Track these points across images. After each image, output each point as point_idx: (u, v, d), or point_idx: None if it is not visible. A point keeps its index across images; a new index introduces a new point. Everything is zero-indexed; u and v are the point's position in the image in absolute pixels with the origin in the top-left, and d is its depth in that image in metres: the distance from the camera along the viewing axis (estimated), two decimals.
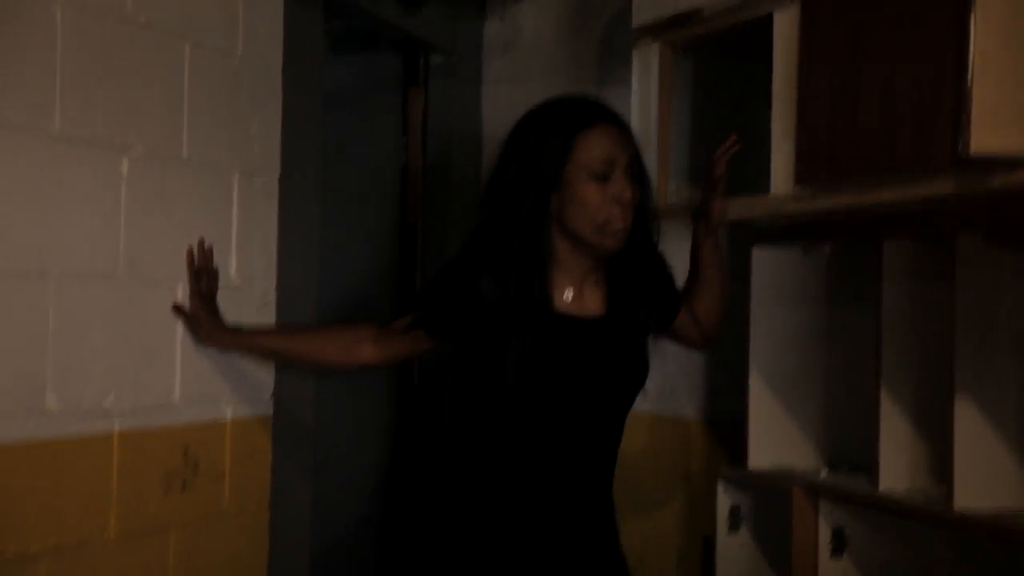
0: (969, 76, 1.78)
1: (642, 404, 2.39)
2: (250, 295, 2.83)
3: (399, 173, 3.96)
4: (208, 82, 2.66)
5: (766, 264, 2.87)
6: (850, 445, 2.85)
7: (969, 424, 2.26)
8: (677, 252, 2.50)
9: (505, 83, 3.86)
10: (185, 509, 2.64)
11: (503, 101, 3.86)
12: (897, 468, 2.49)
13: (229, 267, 2.76)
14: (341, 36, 4.10)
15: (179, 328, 2.61)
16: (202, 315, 2.56)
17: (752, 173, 2.57)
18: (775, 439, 2.90)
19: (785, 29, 2.39)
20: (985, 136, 1.79)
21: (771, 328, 2.89)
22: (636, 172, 2.22)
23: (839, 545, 2.72)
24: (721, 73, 2.94)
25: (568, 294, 2.26)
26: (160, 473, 2.57)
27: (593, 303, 2.27)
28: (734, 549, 3.01)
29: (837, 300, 2.90)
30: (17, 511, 2.23)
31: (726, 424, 3.21)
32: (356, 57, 4.08)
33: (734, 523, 3.00)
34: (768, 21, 2.44)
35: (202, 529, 2.70)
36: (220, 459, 2.75)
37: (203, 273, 2.58)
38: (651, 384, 2.33)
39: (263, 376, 2.89)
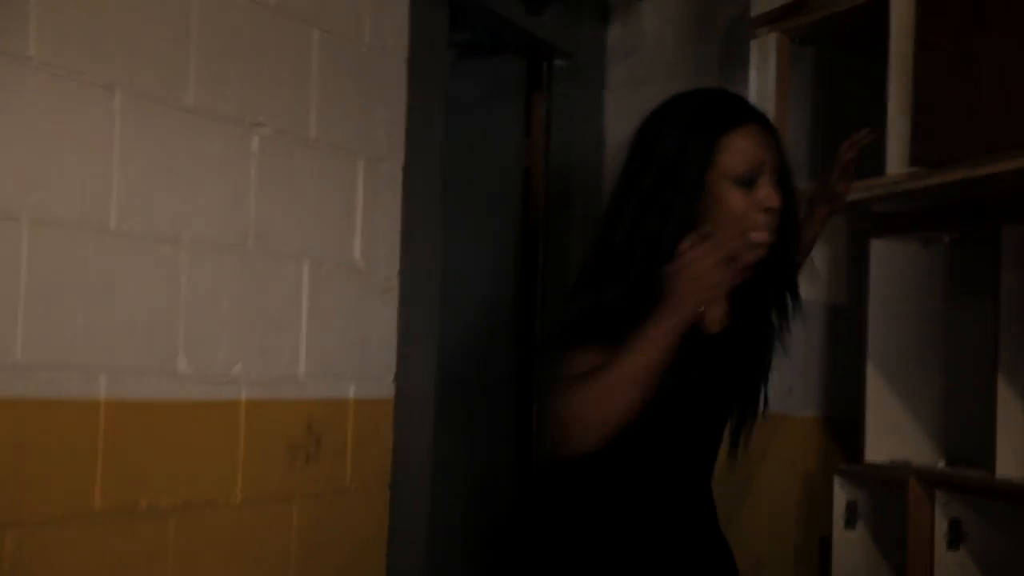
0: None
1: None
2: (374, 279, 2.92)
3: (522, 177, 4.03)
4: (336, 68, 2.76)
5: (885, 257, 2.87)
6: (968, 440, 2.82)
7: None
8: None
9: (628, 87, 3.91)
10: (308, 482, 2.72)
11: (626, 105, 3.91)
12: (1014, 456, 2.47)
13: (353, 249, 2.85)
14: (468, 44, 4.21)
15: (304, 304, 2.70)
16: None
17: (868, 162, 2.58)
18: (891, 433, 2.88)
19: (902, 7, 2.41)
20: None
21: (889, 321, 2.88)
22: (782, 177, 2.00)
23: (956, 537, 2.69)
24: (839, 67, 2.95)
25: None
26: (285, 444, 2.66)
27: (715, 315, 2.07)
28: (850, 545, 2.99)
29: (956, 293, 2.88)
30: (150, 466, 2.32)
31: (844, 422, 3.19)
32: (482, 63, 4.18)
33: (850, 519, 2.99)
34: (883, 4, 2.46)
35: (324, 503, 2.77)
36: (343, 436, 2.82)
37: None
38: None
39: (386, 359, 2.96)
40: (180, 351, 2.39)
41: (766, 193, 1.96)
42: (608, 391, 1.83)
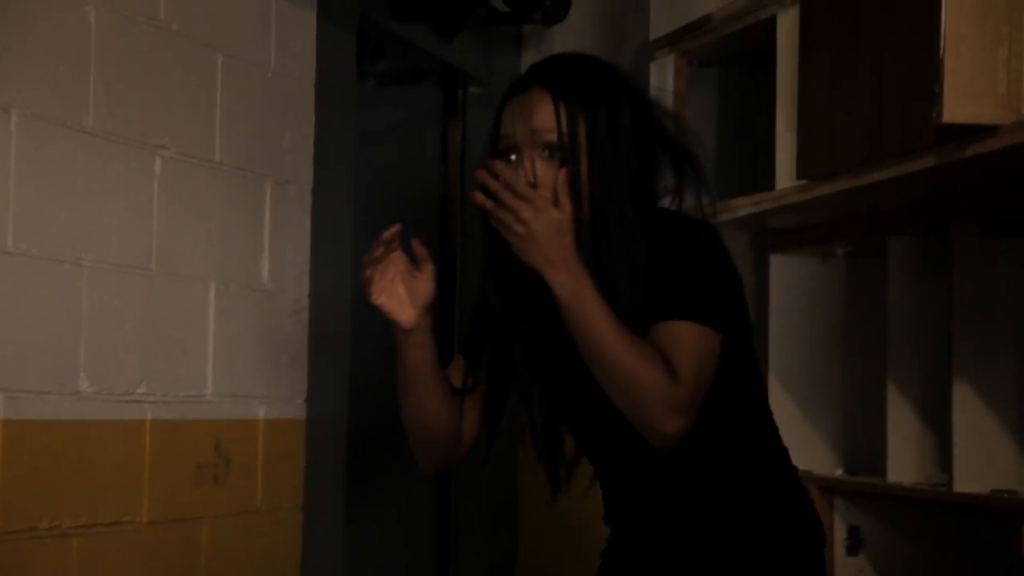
0: (941, 48, 1.86)
1: None
2: (283, 300, 2.95)
3: (439, 203, 4.08)
4: (241, 91, 2.79)
5: (784, 271, 2.94)
6: (866, 449, 2.89)
7: (968, 410, 2.31)
8: None
9: None
10: (218, 502, 2.73)
11: None
12: (905, 461, 2.54)
13: (262, 271, 2.88)
14: (385, 73, 4.26)
15: (211, 325, 2.72)
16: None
17: (762, 178, 2.65)
18: (794, 444, 2.93)
19: (787, 29, 2.49)
20: (957, 106, 1.87)
21: (790, 334, 2.95)
22: (564, 146, 1.75)
23: (855, 543, 2.75)
24: (740, 87, 3.03)
25: None
26: (192, 465, 2.67)
27: None
28: None
29: (852, 305, 2.95)
30: (51, 487, 2.33)
31: None
32: (400, 91, 4.23)
33: None
34: (772, 24, 2.53)
35: (235, 523, 2.79)
36: (252, 457, 2.84)
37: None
38: None
39: (297, 380, 2.99)
40: (81, 371, 2.40)
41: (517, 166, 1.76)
42: (400, 401, 1.87)
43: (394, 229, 1.82)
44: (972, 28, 1.86)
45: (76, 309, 2.39)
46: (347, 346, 3.23)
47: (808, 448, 2.94)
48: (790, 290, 2.92)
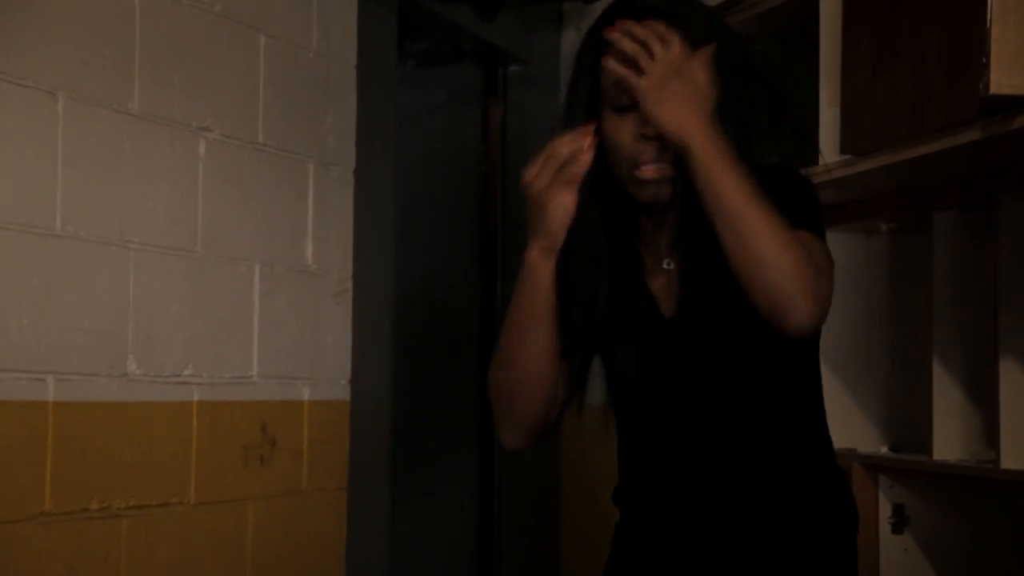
0: (988, 19, 1.84)
1: None
2: (326, 281, 2.96)
3: (480, 182, 4.08)
4: (283, 73, 2.81)
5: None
6: (911, 426, 2.87)
7: (1014, 386, 2.29)
8: None
9: None
10: (263, 483, 2.76)
11: None
12: (951, 438, 2.52)
13: (305, 252, 2.89)
14: (426, 53, 4.27)
15: (256, 306, 2.74)
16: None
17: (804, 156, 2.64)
18: (840, 422, 2.91)
19: (830, 3, 2.47)
20: (1004, 77, 1.85)
21: (834, 312, 2.92)
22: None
23: (900, 522, 2.74)
24: (777, 61, 3.01)
25: (656, 282, 1.73)
26: (238, 446, 2.69)
27: (670, 294, 1.72)
28: None
29: (896, 282, 2.94)
30: (101, 468, 2.36)
31: None
32: (441, 71, 4.23)
33: None
34: (815, 1, 2.52)
35: (280, 504, 2.81)
36: (298, 438, 2.86)
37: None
38: None
39: (341, 361, 3.01)
40: (129, 353, 2.43)
41: (642, 116, 1.60)
42: (501, 352, 1.71)
43: (591, 133, 1.63)
44: (1017, 1, 1.85)
45: (123, 291, 2.41)
46: (391, 328, 3.24)
47: (853, 425, 2.93)
48: (836, 267, 2.90)
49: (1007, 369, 2.28)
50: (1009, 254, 2.29)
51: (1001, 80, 1.84)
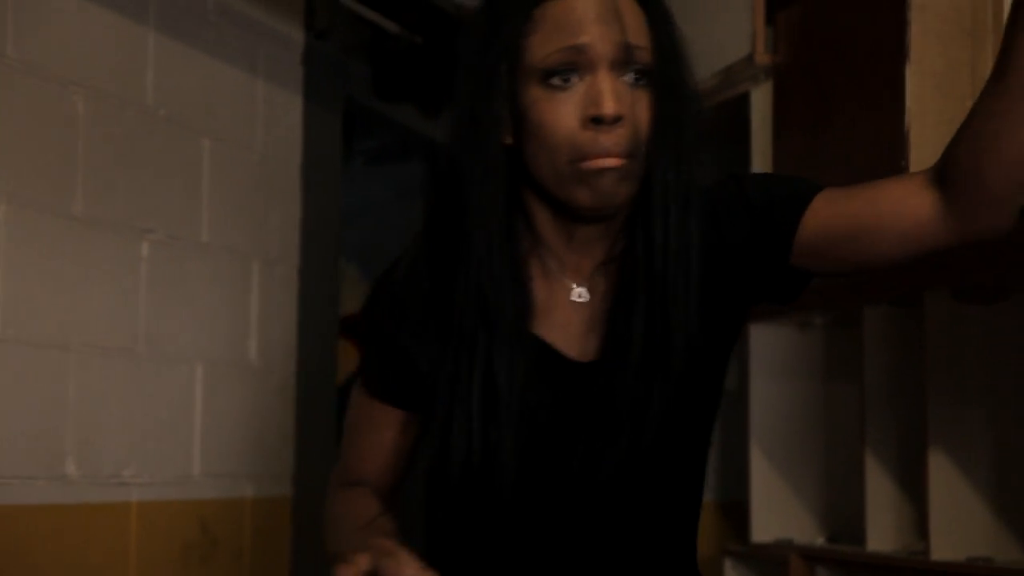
0: (907, 122, 1.90)
1: None
2: (270, 378, 2.97)
3: None
4: (227, 174, 2.84)
5: (764, 342, 2.97)
6: (849, 516, 2.91)
7: (943, 478, 2.34)
8: None
9: None
10: None
11: None
12: (884, 529, 2.56)
13: (249, 349, 2.91)
14: (375, 151, 4.32)
15: (198, 405, 2.75)
16: None
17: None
18: (777, 513, 2.97)
19: (761, 104, 2.54)
20: None
21: (770, 404, 2.98)
22: (652, 68, 1.32)
23: None
24: (716, 158, 3.09)
25: (576, 293, 1.40)
26: (179, 545, 2.69)
27: (578, 330, 1.40)
28: None
29: (831, 374, 2.99)
30: (40, 571, 2.34)
31: (734, 505, 3.27)
32: (387, 168, 4.28)
33: None
34: (746, 100, 2.59)
35: None
36: (239, 536, 2.86)
37: None
38: None
39: (284, 458, 3.01)
40: (68, 455, 2.43)
41: (595, 91, 1.29)
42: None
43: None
44: (936, 103, 1.91)
45: (63, 393, 2.42)
46: (334, 424, 3.25)
47: (790, 516, 2.96)
48: (770, 360, 2.95)
49: (935, 462, 2.33)
50: (935, 348, 2.35)
51: None
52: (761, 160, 2.56)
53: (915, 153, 1.91)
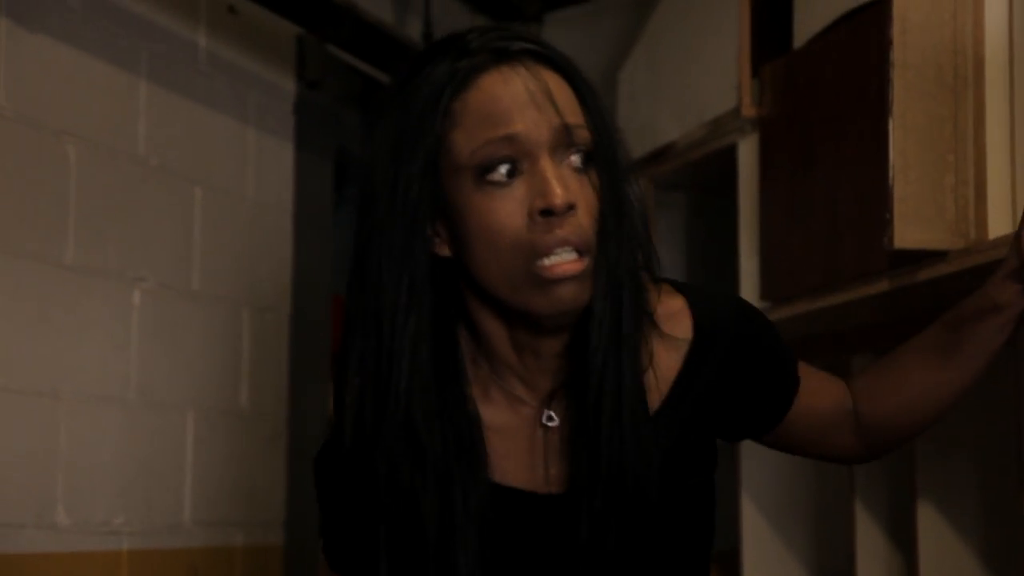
0: (890, 175, 1.92)
1: None
2: (261, 426, 2.98)
3: None
4: (219, 222, 2.86)
5: None
6: (839, 568, 2.91)
7: (932, 529, 2.34)
8: None
9: None
10: None
11: None
12: None
13: (240, 397, 2.92)
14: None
15: (189, 452, 2.75)
16: None
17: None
18: (768, 563, 2.96)
19: (747, 156, 2.56)
20: (907, 232, 1.92)
21: (760, 454, 2.97)
22: (592, 147, 1.21)
23: None
24: (706, 211, 3.11)
25: (545, 416, 1.28)
26: None
27: (544, 461, 1.29)
28: None
29: None
30: None
31: (727, 555, 3.27)
32: None
33: None
34: (733, 151, 2.61)
35: None
36: None
37: None
38: None
39: (275, 506, 3.01)
40: (59, 503, 2.43)
41: (540, 180, 1.17)
42: None
43: None
44: (919, 157, 1.93)
45: (54, 441, 2.42)
46: None
47: (781, 565, 2.96)
48: None
49: (924, 512, 2.33)
50: None
51: (904, 235, 1.92)
52: (748, 212, 2.58)
53: (898, 206, 1.92)
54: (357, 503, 1.28)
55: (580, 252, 1.18)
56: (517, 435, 1.27)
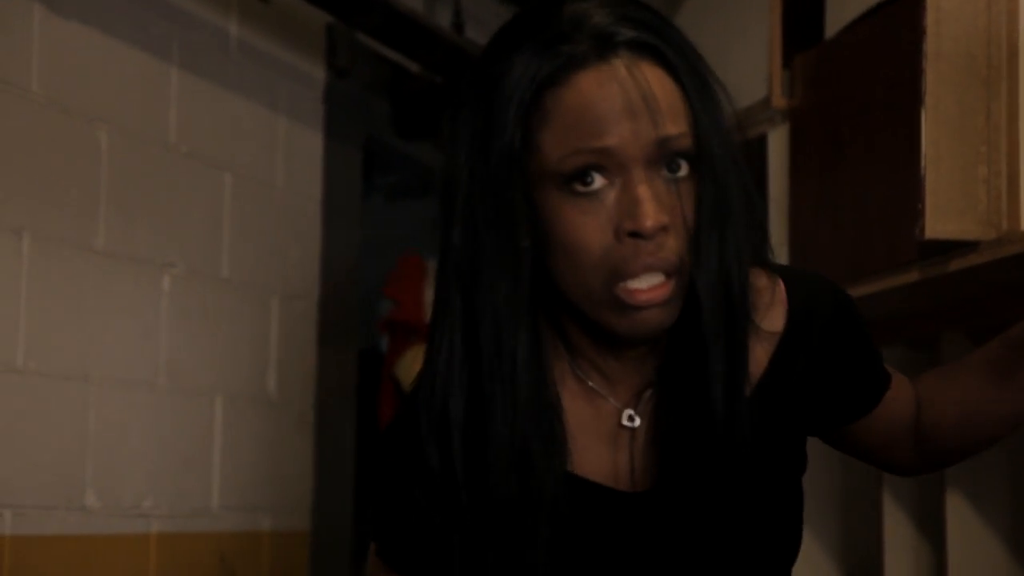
0: (922, 165, 1.91)
1: None
2: (289, 412, 2.99)
3: None
4: (248, 209, 2.87)
5: None
6: (867, 560, 2.90)
7: (961, 520, 2.33)
8: None
9: None
10: None
11: None
12: (902, 570, 2.55)
13: (268, 383, 2.93)
14: (392, 186, 4.36)
15: (217, 438, 2.77)
16: None
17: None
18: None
19: (777, 146, 2.56)
20: (938, 223, 1.92)
21: None
22: (694, 152, 1.12)
23: None
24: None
25: (625, 416, 1.22)
26: None
27: (626, 457, 1.24)
28: None
29: None
30: None
31: None
32: (406, 203, 4.32)
33: None
34: (763, 142, 2.61)
35: None
36: (258, 569, 2.87)
37: None
38: None
39: (302, 491, 3.02)
40: (88, 486, 2.44)
41: (631, 199, 1.10)
42: None
43: None
44: (951, 148, 1.92)
45: (83, 425, 2.44)
46: (353, 459, 3.27)
47: (809, 559, 2.95)
48: None
49: (953, 503, 2.33)
50: None
51: (935, 225, 1.91)
52: (778, 202, 2.57)
53: (930, 197, 1.92)
54: (425, 488, 1.20)
55: (668, 275, 1.11)
56: (595, 429, 1.22)
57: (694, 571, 1.21)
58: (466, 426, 1.16)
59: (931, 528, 2.54)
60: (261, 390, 2.90)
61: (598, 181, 1.10)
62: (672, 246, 1.11)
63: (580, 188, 1.10)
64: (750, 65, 2.63)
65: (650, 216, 1.08)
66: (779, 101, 2.55)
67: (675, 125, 1.11)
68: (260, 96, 2.90)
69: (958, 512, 2.33)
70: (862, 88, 2.27)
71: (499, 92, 1.12)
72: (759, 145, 2.62)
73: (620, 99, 1.09)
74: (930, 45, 1.90)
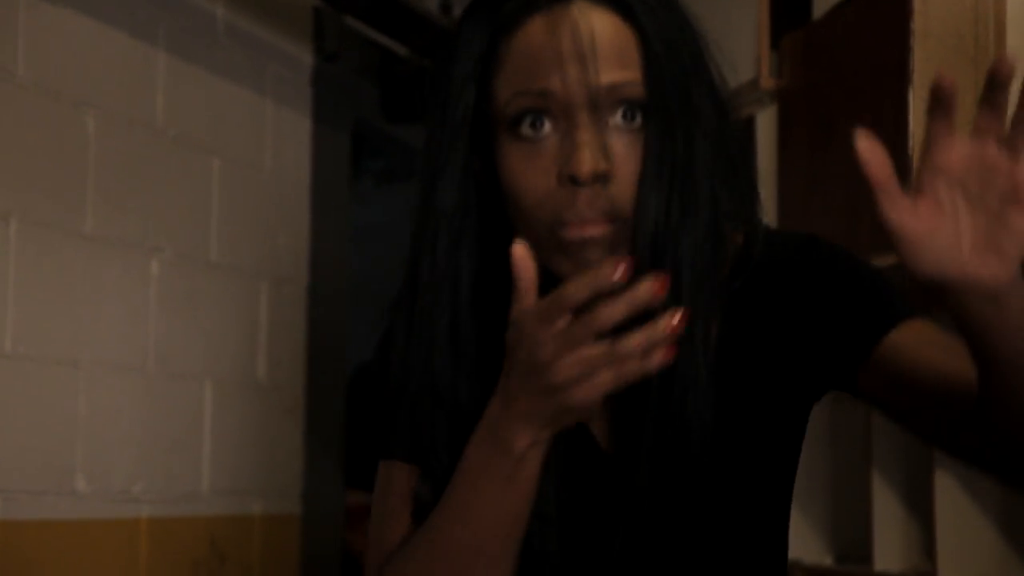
0: (910, 145, 1.92)
1: None
2: (279, 397, 2.99)
3: None
4: (237, 194, 2.86)
5: None
6: (855, 537, 2.91)
7: (950, 498, 2.34)
8: None
9: None
10: None
11: None
12: (891, 549, 2.56)
13: (257, 368, 2.93)
14: (382, 170, 4.36)
15: (207, 422, 2.77)
16: None
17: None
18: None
19: (766, 127, 2.56)
20: None
21: None
22: (647, 101, 1.10)
23: None
24: None
25: None
26: (188, 562, 2.70)
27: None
28: None
29: (838, 394, 2.99)
30: None
31: None
32: (396, 187, 4.31)
33: None
34: (751, 123, 2.61)
35: None
36: (248, 553, 2.87)
37: None
38: None
39: (292, 475, 3.03)
40: (78, 471, 2.44)
41: (572, 144, 1.08)
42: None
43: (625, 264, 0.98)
44: None
45: (73, 409, 2.43)
46: (342, 443, 3.27)
47: (798, 536, 2.96)
48: None
49: (942, 482, 2.34)
50: None
51: None
52: (766, 183, 2.58)
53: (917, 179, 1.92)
54: (421, 382, 1.19)
55: (609, 223, 1.08)
56: None
57: (664, 543, 1.19)
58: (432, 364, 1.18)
59: (920, 508, 2.55)
60: (250, 374, 2.90)
61: (547, 127, 1.09)
62: (613, 195, 1.08)
63: (527, 132, 1.10)
64: (738, 46, 2.63)
65: (586, 162, 1.07)
66: (767, 82, 2.55)
67: (624, 72, 1.09)
68: (248, 80, 2.90)
69: (947, 492, 2.34)
70: (850, 68, 2.27)
71: (457, 47, 1.14)
72: (747, 126, 2.62)
73: (567, 43, 1.08)
74: (918, 24, 1.91)
